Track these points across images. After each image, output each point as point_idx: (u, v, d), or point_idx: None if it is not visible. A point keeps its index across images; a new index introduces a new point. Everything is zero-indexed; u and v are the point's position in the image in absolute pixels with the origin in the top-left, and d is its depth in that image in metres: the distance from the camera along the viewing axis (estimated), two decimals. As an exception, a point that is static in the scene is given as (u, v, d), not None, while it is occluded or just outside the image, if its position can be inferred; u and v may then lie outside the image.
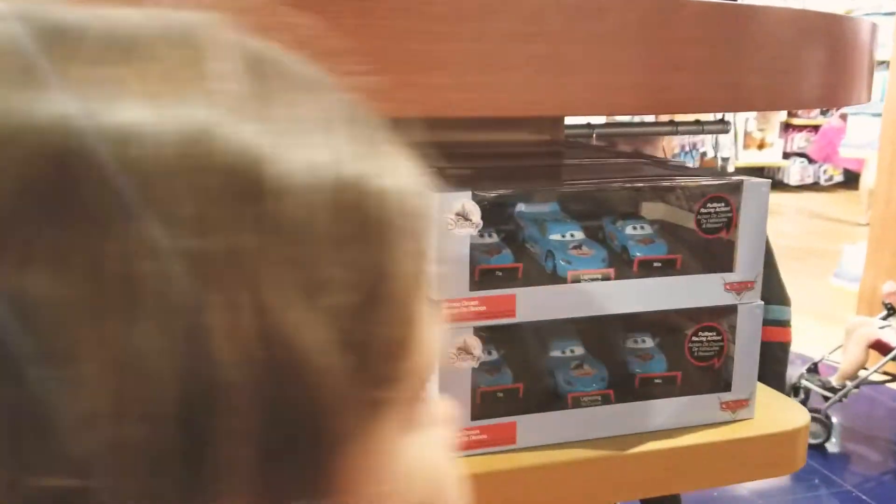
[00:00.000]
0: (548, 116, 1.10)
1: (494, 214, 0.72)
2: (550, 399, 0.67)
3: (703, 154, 6.39)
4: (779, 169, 6.81)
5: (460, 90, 0.57)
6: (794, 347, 3.18)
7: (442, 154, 0.95)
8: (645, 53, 0.61)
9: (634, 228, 0.71)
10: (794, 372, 2.69)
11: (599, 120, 1.46)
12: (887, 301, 2.62)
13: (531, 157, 0.92)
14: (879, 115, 3.21)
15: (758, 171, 6.76)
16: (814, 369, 2.65)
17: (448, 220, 0.59)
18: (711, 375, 0.68)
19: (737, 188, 0.66)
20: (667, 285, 0.66)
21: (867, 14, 3.47)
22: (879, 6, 3.34)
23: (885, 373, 2.55)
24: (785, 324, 1.32)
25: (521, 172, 0.81)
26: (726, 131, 1.60)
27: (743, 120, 6.61)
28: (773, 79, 0.72)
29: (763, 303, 0.68)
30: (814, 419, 2.45)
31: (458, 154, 0.91)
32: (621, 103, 0.59)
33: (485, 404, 0.64)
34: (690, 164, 5.28)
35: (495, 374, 0.66)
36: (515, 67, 0.58)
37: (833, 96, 0.87)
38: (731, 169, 6.54)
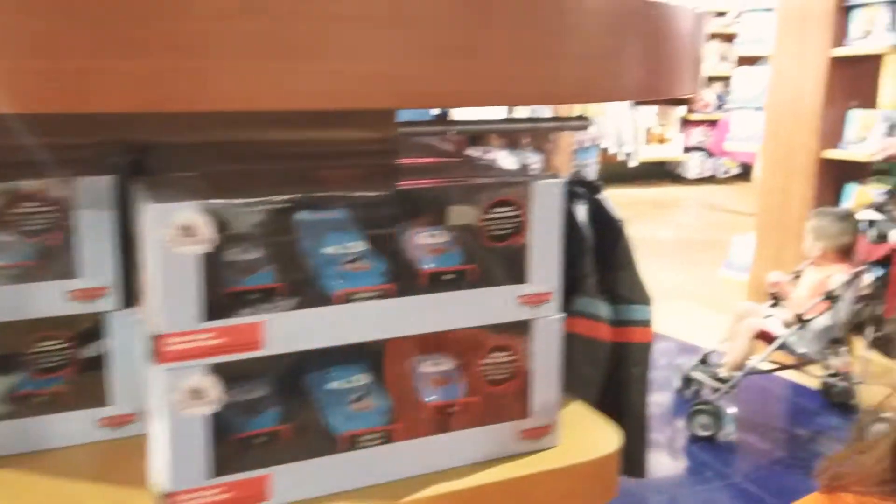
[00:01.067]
0: (371, 111, 1.02)
1: (272, 222, 0.62)
2: (322, 441, 0.57)
3: (605, 150, 6.48)
4: (679, 163, 6.96)
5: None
6: (688, 338, 3.22)
7: (250, 155, 0.83)
8: (405, 39, 0.52)
9: (428, 236, 0.63)
10: (686, 364, 2.70)
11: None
12: (772, 291, 2.65)
13: (341, 158, 0.83)
14: (761, 108, 3.27)
15: (659, 165, 6.90)
16: (705, 360, 2.66)
17: (167, 237, 0.49)
18: (509, 401, 0.60)
19: (526, 189, 0.59)
20: (451, 301, 0.57)
21: (749, 10, 3.52)
22: (759, 3, 3.40)
23: (773, 361, 2.58)
24: (646, 323, 1.27)
25: (313, 174, 0.71)
26: (584, 128, 1.55)
27: (645, 116, 6.73)
28: (584, 69, 0.65)
29: (565, 315, 0.61)
30: (704, 411, 2.45)
31: (267, 154, 0.81)
32: (367, 94, 0.50)
33: (235, 454, 0.54)
34: (591, 160, 5.28)
35: (255, 416, 0.56)
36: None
37: (653, 87, 0.81)
38: (634, 163, 6.65)
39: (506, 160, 4.21)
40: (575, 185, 1.39)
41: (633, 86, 0.73)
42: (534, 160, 4.23)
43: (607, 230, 1.43)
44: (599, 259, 1.32)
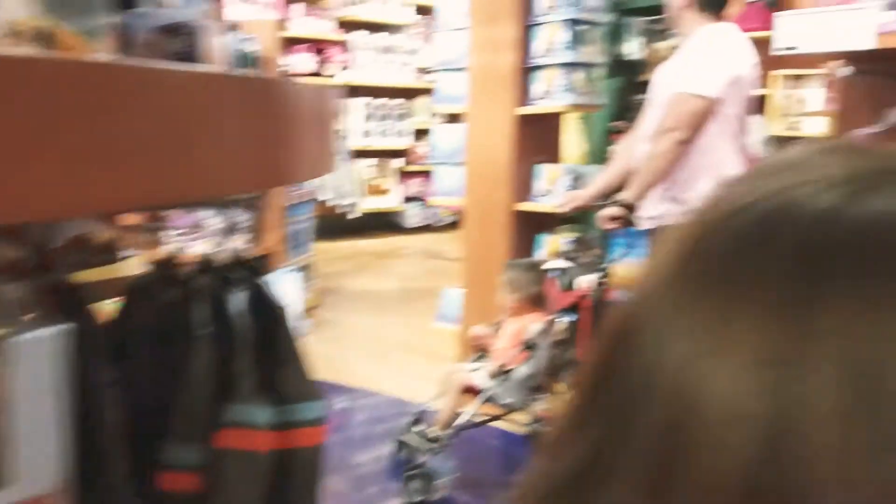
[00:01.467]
0: None
1: None
2: None
3: (324, 202, 6.43)
4: (399, 213, 7.13)
5: None
6: (404, 392, 3.18)
7: None
8: None
9: None
10: (398, 426, 2.64)
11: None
12: (476, 345, 2.70)
13: None
14: (460, 164, 3.38)
15: (380, 216, 7.00)
16: (417, 420, 2.61)
17: None
18: None
19: (-5, 351, 0.41)
20: None
21: (444, 69, 3.64)
22: (453, 63, 3.53)
23: (483, 414, 2.60)
24: (315, 423, 1.13)
25: None
26: (253, 208, 1.40)
27: (364, 168, 6.81)
28: (151, 169, 0.50)
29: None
30: (416, 476, 2.39)
31: None
32: None
33: None
34: (306, 215, 5.15)
35: None
36: None
37: (271, 177, 0.68)
38: (355, 215, 6.68)
39: (212, 220, 3.94)
40: (232, 269, 1.22)
41: (228, 181, 0.59)
42: (244, 219, 4.01)
43: (267, 320, 1.28)
44: (259, 355, 1.16)
